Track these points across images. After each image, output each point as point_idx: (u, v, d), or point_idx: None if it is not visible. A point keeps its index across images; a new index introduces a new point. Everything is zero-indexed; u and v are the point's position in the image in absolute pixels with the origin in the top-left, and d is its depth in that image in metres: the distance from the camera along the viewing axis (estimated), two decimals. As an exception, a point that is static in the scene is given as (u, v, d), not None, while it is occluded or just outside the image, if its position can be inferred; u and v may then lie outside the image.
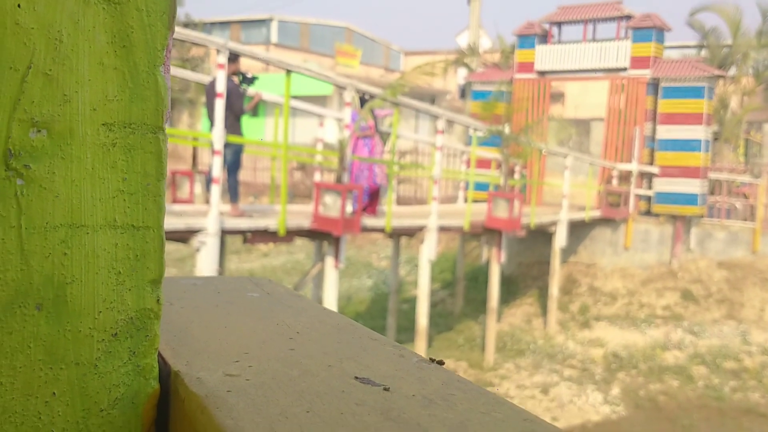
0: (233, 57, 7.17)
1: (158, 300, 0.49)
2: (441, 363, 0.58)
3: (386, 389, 0.48)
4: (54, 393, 0.45)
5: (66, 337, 0.45)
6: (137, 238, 0.47)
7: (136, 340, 0.48)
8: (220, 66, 6.64)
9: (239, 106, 7.25)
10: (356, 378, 0.51)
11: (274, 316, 0.69)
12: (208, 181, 7.46)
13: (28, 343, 0.44)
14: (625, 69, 15.48)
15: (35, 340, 0.44)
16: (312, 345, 0.59)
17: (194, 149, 11.01)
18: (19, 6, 0.42)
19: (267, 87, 17.80)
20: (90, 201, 0.46)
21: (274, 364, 0.53)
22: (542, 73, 16.50)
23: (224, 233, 7.14)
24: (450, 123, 13.43)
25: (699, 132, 14.69)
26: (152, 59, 0.47)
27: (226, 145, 7.05)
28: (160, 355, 0.51)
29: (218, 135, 6.67)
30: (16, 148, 0.43)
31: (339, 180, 8.02)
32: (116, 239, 0.47)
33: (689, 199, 14.67)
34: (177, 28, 7.13)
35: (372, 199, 9.62)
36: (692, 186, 14.71)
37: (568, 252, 14.58)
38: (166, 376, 0.51)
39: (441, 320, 13.48)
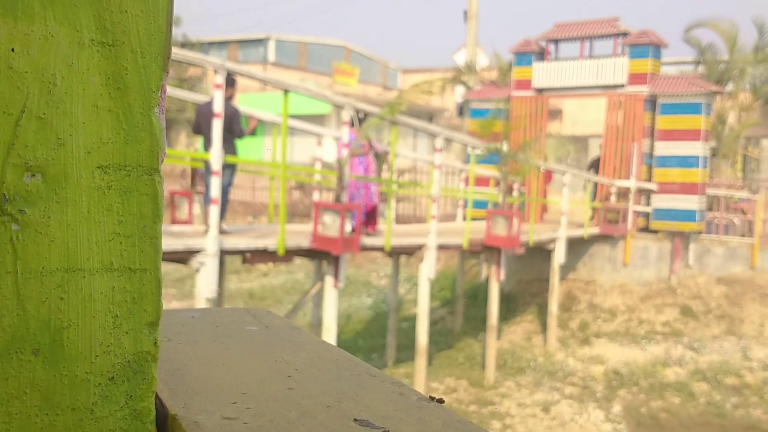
0: (231, 81, 7.20)
1: (155, 342, 0.48)
2: (441, 401, 0.58)
3: (386, 432, 0.48)
4: None
5: (62, 382, 0.45)
6: (134, 280, 0.47)
7: (133, 383, 0.47)
8: (218, 86, 6.66)
9: (239, 129, 7.29)
10: (355, 420, 0.50)
11: (273, 351, 0.68)
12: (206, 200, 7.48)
13: (24, 389, 0.44)
14: (622, 86, 15.54)
15: (31, 386, 0.44)
16: (310, 383, 0.59)
17: (192, 169, 11.02)
18: (12, 50, 0.42)
19: (265, 106, 17.87)
20: (86, 244, 0.45)
21: (272, 405, 0.53)
22: (540, 91, 16.56)
23: (223, 253, 7.12)
24: (448, 141, 13.46)
25: (697, 148, 14.73)
26: (147, 101, 0.47)
27: (225, 166, 7.07)
28: (157, 396, 0.51)
29: (216, 155, 6.68)
30: (10, 193, 0.43)
31: (338, 199, 8.03)
32: (113, 282, 0.46)
33: (687, 215, 14.68)
34: (174, 49, 7.16)
35: (369, 217, 9.62)
36: (690, 202, 14.72)
37: (567, 269, 14.57)
38: (164, 419, 0.50)
39: (441, 338, 13.43)
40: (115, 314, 0.47)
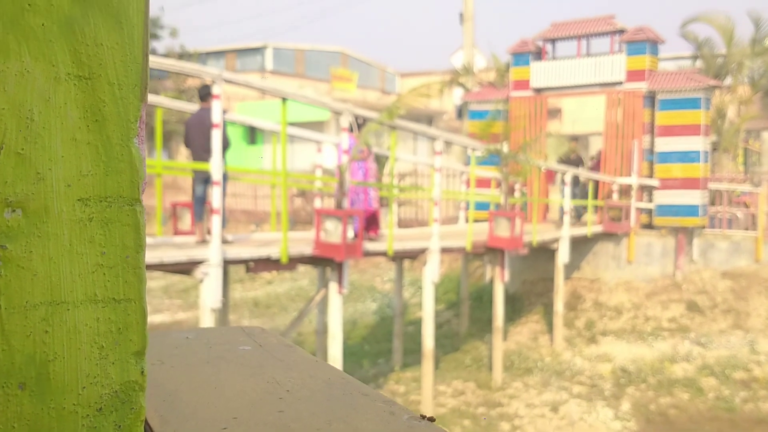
0: (206, 93, 7.25)
1: (142, 372, 0.48)
2: (432, 419, 0.58)
3: (374, 454, 0.48)
4: None
5: (50, 415, 0.45)
6: (119, 311, 0.47)
7: (121, 413, 0.48)
8: (215, 96, 6.67)
9: (225, 138, 7.31)
10: (344, 442, 0.50)
11: (265, 372, 0.68)
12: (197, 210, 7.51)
13: (12, 423, 0.44)
14: (620, 83, 15.54)
15: (19, 420, 0.44)
16: (301, 405, 0.59)
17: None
18: None
19: (264, 114, 17.90)
20: (69, 277, 0.45)
21: (263, 429, 0.53)
22: (538, 90, 16.56)
23: (227, 263, 7.13)
24: (448, 144, 13.46)
25: (697, 143, 14.72)
26: (125, 132, 0.47)
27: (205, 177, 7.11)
28: (147, 424, 0.51)
29: (216, 165, 6.69)
30: (-8, 229, 0.43)
31: (339, 205, 8.03)
32: (97, 314, 0.46)
33: (690, 210, 14.66)
34: (172, 61, 7.16)
35: (370, 222, 9.63)
36: (693, 197, 14.70)
37: (571, 268, 14.55)
38: None
39: (447, 341, 13.42)
40: (101, 345, 0.47)
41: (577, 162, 15.59)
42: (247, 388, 0.63)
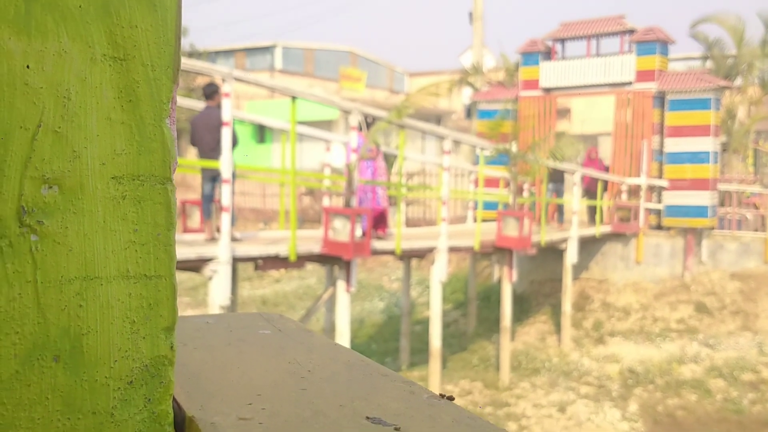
0: (216, 90, 7.27)
1: (172, 347, 0.50)
2: (451, 398, 0.59)
3: (397, 429, 0.49)
4: None
5: (83, 387, 0.46)
6: (150, 287, 0.49)
7: (151, 387, 0.49)
8: (226, 95, 6.70)
9: (234, 136, 7.34)
10: (367, 418, 0.51)
11: (286, 354, 0.70)
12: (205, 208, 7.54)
13: (46, 395, 0.45)
14: (630, 83, 15.50)
15: (53, 391, 0.45)
16: (323, 384, 0.60)
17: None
18: (28, 67, 0.43)
19: (273, 113, 17.93)
20: (103, 253, 0.47)
21: (286, 405, 0.54)
22: (547, 90, 16.54)
23: (236, 261, 7.15)
24: (457, 143, 13.46)
25: (707, 144, 14.67)
26: (158, 112, 0.49)
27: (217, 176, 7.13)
28: (174, 399, 0.52)
29: (226, 163, 6.72)
30: (29, 205, 0.44)
31: (347, 204, 8.04)
32: (129, 289, 0.48)
33: (699, 211, 14.61)
34: (182, 59, 7.24)
35: (378, 221, 9.64)
36: (702, 198, 14.65)
37: (579, 268, 14.52)
38: (181, 421, 0.52)
39: (454, 341, 13.42)
40: (132, 320, 0.48)
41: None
42: (269, 368, 0.65)
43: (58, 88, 0.45)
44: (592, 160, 15.11)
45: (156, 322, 0.49)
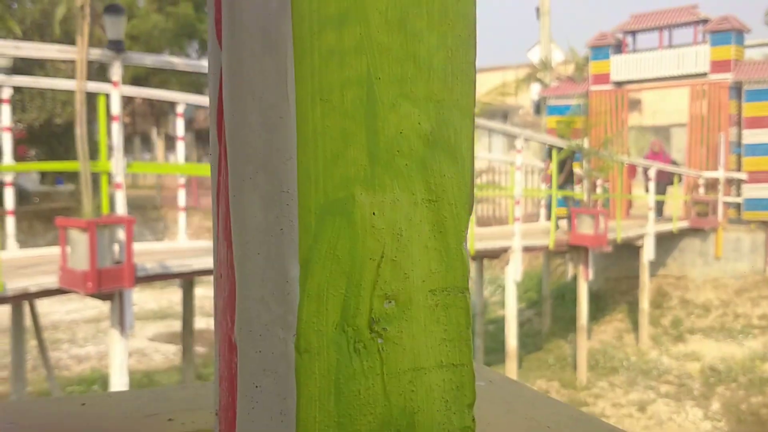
0: None
1: (473, 419, 0.64)
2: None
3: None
4: None
5: (415, 453, 0.61)
6: (456, 373, 0.63)
7: (458, 450, 0.63)
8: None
9: None
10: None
11: (516, 409, 0.83)
12: None
13: None
14: (705, 74, 15.15)
15: None
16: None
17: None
18: (374, 213, 0.58)
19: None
20: (425, 349, 0.61)
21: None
22: (619, 84, 16.31)
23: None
24: (527, 140, 13.41)
25: (788, 134, 14.24)
26: (459, 238, 0.63)
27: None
28: None
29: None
30: (376, 317, 0.59)
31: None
32: (443, 376, 0.62)
33: (782, 204, 14.20)
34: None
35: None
36: (784, 191, 14.24)
37: (656, 265, 14.29)
38: None
39: (529, 340, 13.41)
40: (446, 399, 0.63)
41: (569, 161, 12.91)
42: (515, 424, 0.78)
43: (393, 228, 0.60)
44: (656, 154, 14.79)
45: (462, 400, 0.63)
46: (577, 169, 12.97)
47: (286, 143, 0.56)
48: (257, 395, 0.58)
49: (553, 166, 12.13)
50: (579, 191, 12.93)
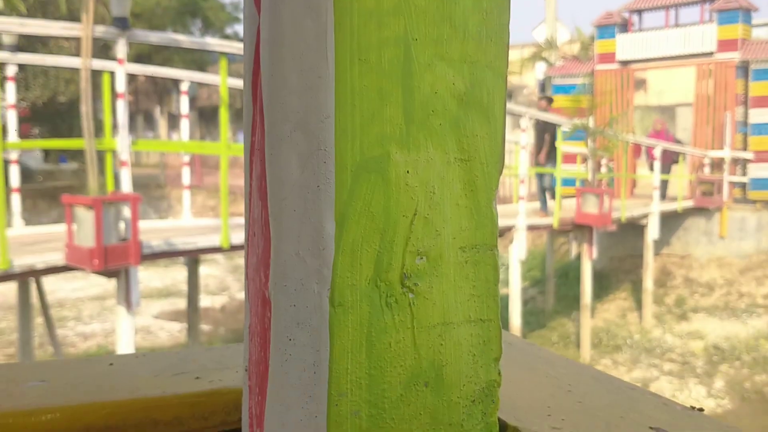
0: None
1: (499, 372, 0.65)
2: (701, 410, 0.73)
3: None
4: None
5: (443, 405, 0.62)
6: (484, 328, 0.64)
7: (486, 404, 0.65)
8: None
9: None
10: (651, 428, 0.66)
11: (537, 369, 0.84)
12: None
13: (419, 411, 0.61)
14: (711, 53, 15.06)
15: (424, 408, 0.62)
16: (591, 398, 0.75)
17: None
18: (408, 172, 0.59)
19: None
20: (454, 305, 0.62)
21: (577, 416, 0.69)
22: (624, 63, 16.22)
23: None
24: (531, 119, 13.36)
25: (794, 113, 14.19)
26: (489, 197, 0.64)
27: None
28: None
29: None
30: (408, 272, 0.60)
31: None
32: (471, 330, 0.63)
33: (788, 183, 14.18)
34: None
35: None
36: (790, 170, 14.21)
37: (660, 244, 14.30)
38: (503, 430, 0.68)
39: (533, 318, 13.46)
40: (473, 353, 0.64)
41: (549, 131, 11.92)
42: (534, 382, 0.80)
43: (426, 186, 0.61)
44: (657, 132, 14.73)
45: (488, 354, 0.65)
46: (563, 146, 12.78)
47: (325, 102, 0.57)
48: (291, 348, 0.60)
49: (558, 145, 12.10)
50: (584, 171, 12.92)
